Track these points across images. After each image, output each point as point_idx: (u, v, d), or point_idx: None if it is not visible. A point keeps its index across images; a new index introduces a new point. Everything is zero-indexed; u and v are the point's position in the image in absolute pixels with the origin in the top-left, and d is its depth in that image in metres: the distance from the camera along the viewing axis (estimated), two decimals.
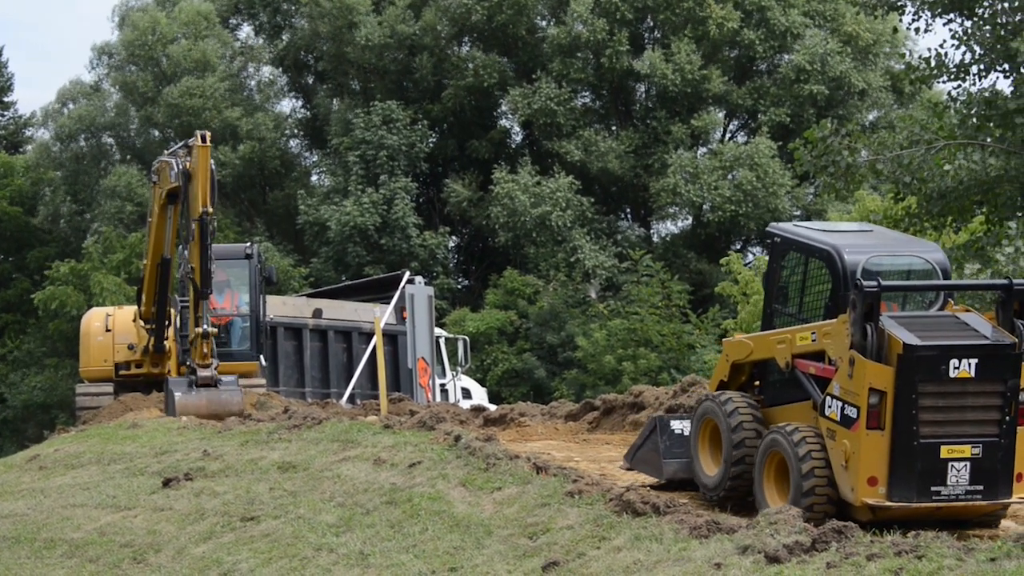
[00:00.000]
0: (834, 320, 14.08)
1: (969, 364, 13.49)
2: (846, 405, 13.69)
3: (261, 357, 29.02)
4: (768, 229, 16.03)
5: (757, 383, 15.55)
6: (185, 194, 24.84)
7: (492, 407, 25.60)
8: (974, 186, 23.98)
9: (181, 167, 24.80)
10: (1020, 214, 24.63)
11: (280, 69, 61.94)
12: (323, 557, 15.31)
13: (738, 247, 55.79)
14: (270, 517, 16.88)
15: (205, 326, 24.83)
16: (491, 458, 16.79)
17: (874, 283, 13.59)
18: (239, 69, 61.11)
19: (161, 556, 16.74)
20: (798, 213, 54.40)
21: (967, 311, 14.42)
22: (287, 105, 63.32)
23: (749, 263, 45.40)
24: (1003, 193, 24.11)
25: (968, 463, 13.55)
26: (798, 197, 53.50)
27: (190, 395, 24.53)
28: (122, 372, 27.77)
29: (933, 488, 13.52)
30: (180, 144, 25.78)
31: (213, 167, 24.79)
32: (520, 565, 13.85)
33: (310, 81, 61.80)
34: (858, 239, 15.26)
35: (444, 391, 35.28)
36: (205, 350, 24.90)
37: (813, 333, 14.34)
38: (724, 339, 16.24)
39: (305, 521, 16.43)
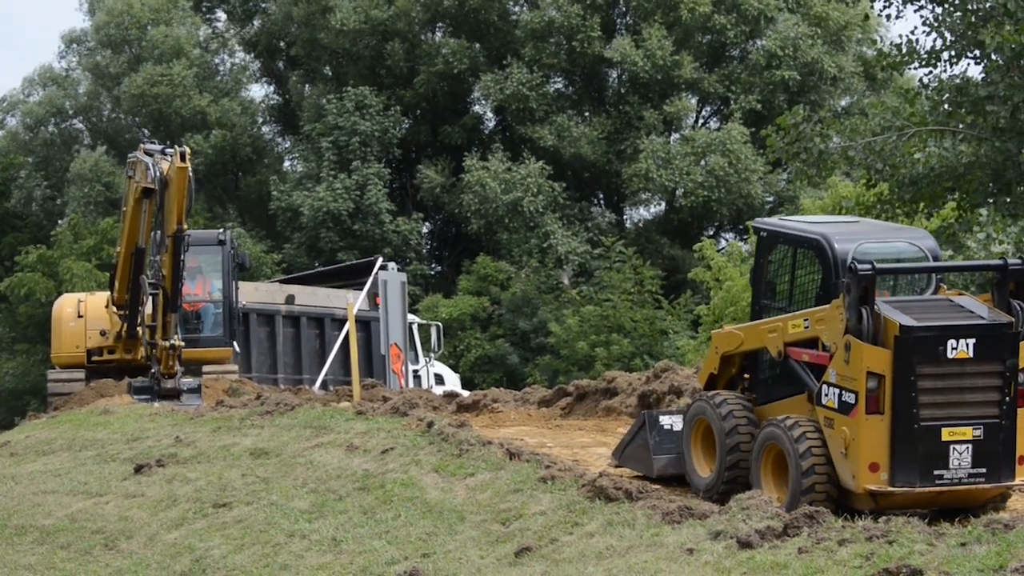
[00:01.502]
0: (827, 306, 13.96)
1: (967, 344, 13.40)
2: (843, 391, 13.57)
3: (234, 343, 28.95)
4: (754, 224, 15.91)
5: (747, 377, 15.39)
6: (161, 199, 24.64)
7: (465, 393, 25.60)
8: (945, 173, 24.05)
9: (160, 174, 24.54)
10: (991, 200, 24.72)
11: (252, 55, 61.75)
12: (295, 543, 15.30)
13: (711, 233, 55.84)
14: (242, 503, 16.85)
15: (173, 340, 25.14)
16: (464, 444, 16.80)
17: (868, 266, 13.49)
18: (212, 56, 60.89)
19: (133, 542, 16.70)
20: (771, 199, 54.49)
21: (960, 294, 14.34)
22: (259, 91, 63.20)
23: (722, 249, 45.46)
24: (974, 180, 24.18)
25: (970, 445, 13.44)
26: (770, 183, 53.58)
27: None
28: (95, 358, 27.66)
29: (936, 472, 13.41)
30: (159, 147, 25.52)
31: (192, 182, 24.63)
32: (493, 551, 13.87)
33: (282, 67, 61.61)
34: (846, 228, 15.17)
35: (417, 377, 35.25)
36: (171, 363, 25.32)
37: (806, 320, 14.22)
38: (713, 331, 16.05)
39: (277, 507, 16.41)
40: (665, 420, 15.98)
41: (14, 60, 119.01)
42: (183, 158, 24.21)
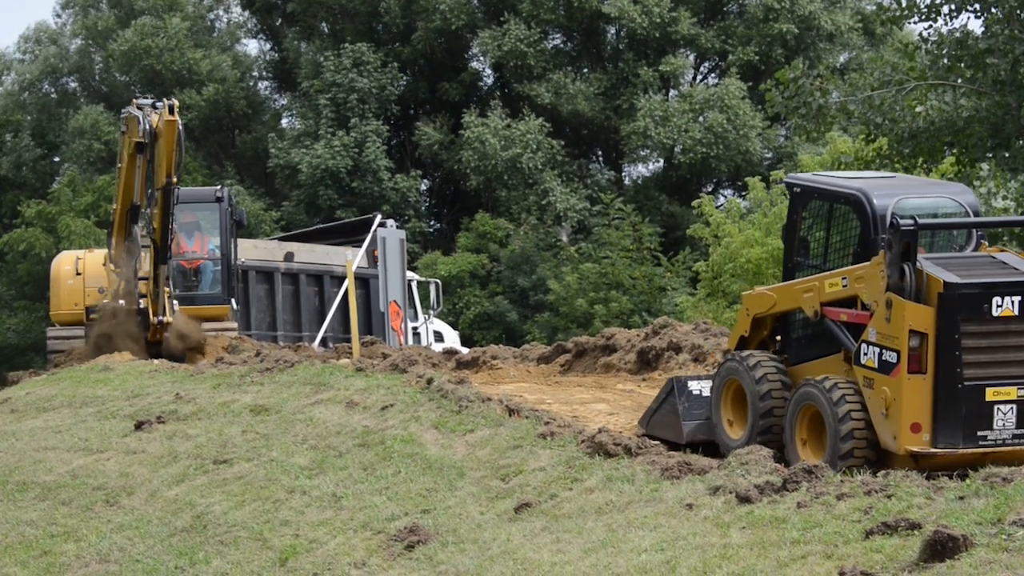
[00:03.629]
0: (867, 263, 13.62)
1: (1012, 302, 13.08)
2: (884, 350, 13.26)
3: (233, 301, 28.94)
4: (786, 179, 15.54)
5: (779, 339, 15.09)
6: (152, 152, 24.61)
7: (464, 350, 25.63)
8: (945, 127, 24.01)
9: (149, 127, 24.46)
10: (991, 155, 24.70)
11: (248, 12, 61.54)
12: (296, 499, 15.35)
13: (709, 190, 55.80)
14: (243, 460, 16.90)
15: (162, 316, 25.35)
16: (463, 401, 16.82)
17: (911, 221, 13.14)
18: (208, 10, 60.69)
19: (134, 499, 16.75)
20: (769, 155, 54.41)
21: (1002, 251, 14.02)
22: (254, 47, 63.00)
23: (720, 205, 45.44)
24: (974, 134, 24.15)
25: (1014, 405, 13.13)
26: (769, 139, 53.50)
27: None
28: (92, 316, 27.61)
29: (979, 433, 13.10)
30: (149, 101, 25.43)
31: (182, 135, 24.53)
32: (492, 506, 13.91)
33: (279, 23, 61.41)
34: (884, 182, 14.81)
35: (416, 334, 35.28)
36: (158, 336, 25.50)
37: (844, 278, 13.85)
38: (744, 293, 15.69)
39: (278, 464, 16.45)
40: (694, 385, 15.65)
41: (13, 17, 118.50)
42: (172, 111, 24.11)
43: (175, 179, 24.55)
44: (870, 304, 13.53)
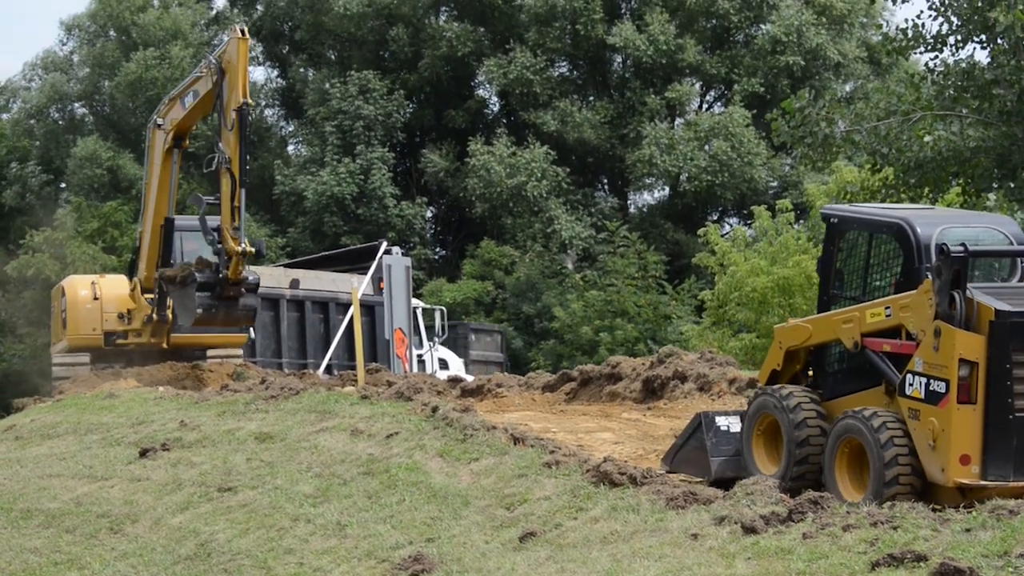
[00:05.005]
0: (912, 292, 13.32)
1: None
2: (932, 380, 12.91)
3: (251, 330, 28.94)
4: (823, 211, 15.22)
5: (811, 373, 14.78)
6: (220, 89, 24.67)
7: (469, 378, 25.60)
8: (951, 157, 23.99)
9: (216, 63, 24.79)
10: (997, 186, 24.69)
11: (256, 40, 61.69)
12: (300, 527, 15.32)
13: (715, 218, 55.83)
14: (247, 487, 16.87)
15: (244, 244, 24.37)
16: (468, 429, 16.80)
17: (961, 247, 12.88)
18: (211, 38, 60.86)
19: (138, 526, 16.73)
20: (775, 184, 54.45)
21: None
22: (261, 74, 63.16)
23: (726, 234, 45.46)
24: (980, 165, 24.14)
25: None
26: (774, 167, 53.56)
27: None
28: (118, 341, 27.34)
29: None
30: (198, 67, 25.90)
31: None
32: (497, 535, 13.88)
33: (286, 51, 61.58)
34: (925, 212, 14.54)
35: (421, 362, 35.27)
36: (240, 268, 24.54)
37: (887, 307, 13.54)
38: (776, 326, 15.32)
39: (282, 491, 16.42)
40: (722, 420, 15.36)
41: (17, 44, 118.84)
42: (243, 33, 24.59)
43: (251, 101, 24.72)
44: (916, 333, 13.23)
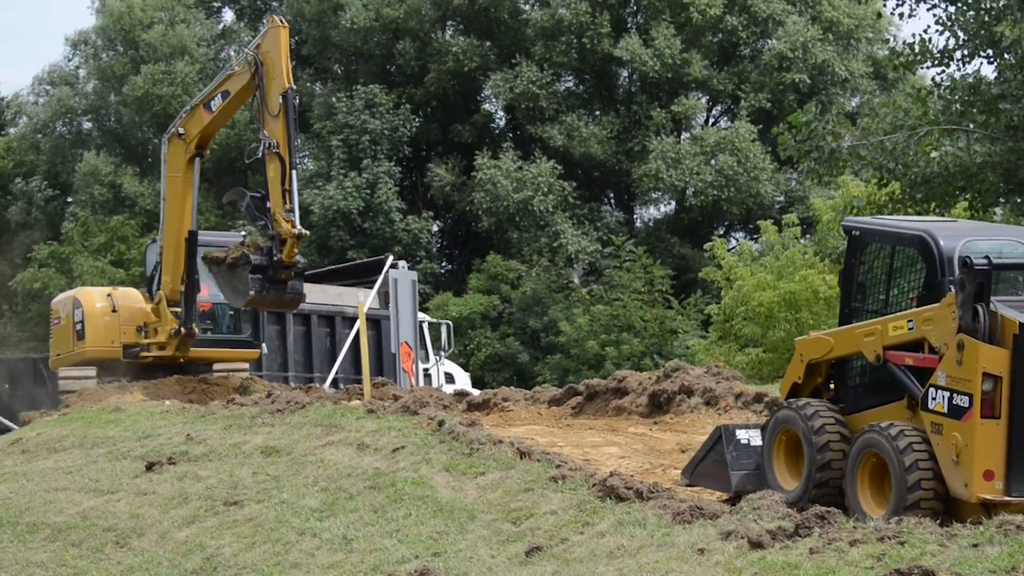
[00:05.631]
0: (935, 305, 13.16)
1: None
2: (955, 394, 12.72)
3: (264, 345, 29.01)
4: (844, 223, 15.06)
5: (832, 387, 14.62)
6: (260, 80, 25.29)
7: (475, 392, 25.59)
8: (958, 172, 23.99)
9: (253, 55, 25.40)
10: (1003, 200, 24.69)
11: None
12: (306, 541, 15.31)
13: (721, 232, 55.85)
14: (253, 501, 16.86)
15: (298, 227, 24.86)
16: (474, 443, 16.79)
17: (985, 260, 12.73)
18: (217, 52, 60.99)
19: (144, 540, 16.72)
20: (781, 198, 54.46)
21: None
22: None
23: (732, 248, 45.47)
24: (986, 180, 24.15)
25: None
26: (780, 182, 53.58)
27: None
28: (143, 354, 27.28)
29: None
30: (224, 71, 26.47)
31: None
32: (503, 550, 13.86)
33: (292, 65, 61.58)
34: (948, 225, 14.36)
35: (427, 376, 35.26)
36: (294, 251, 24.86)
37: (910, 320, 13.35)
38: (797, 339, 15.14)
39: (288, 505, 16.41)
40: (742, 434, 15.14)
41: (22, 60, 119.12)
42: (281, 22, 25.47)
43: (294, 87, 25.52)
44: (939, 347, 13.06)
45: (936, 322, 13.12)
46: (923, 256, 13.66)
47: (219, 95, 26.13)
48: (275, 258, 24.81)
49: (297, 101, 25.80)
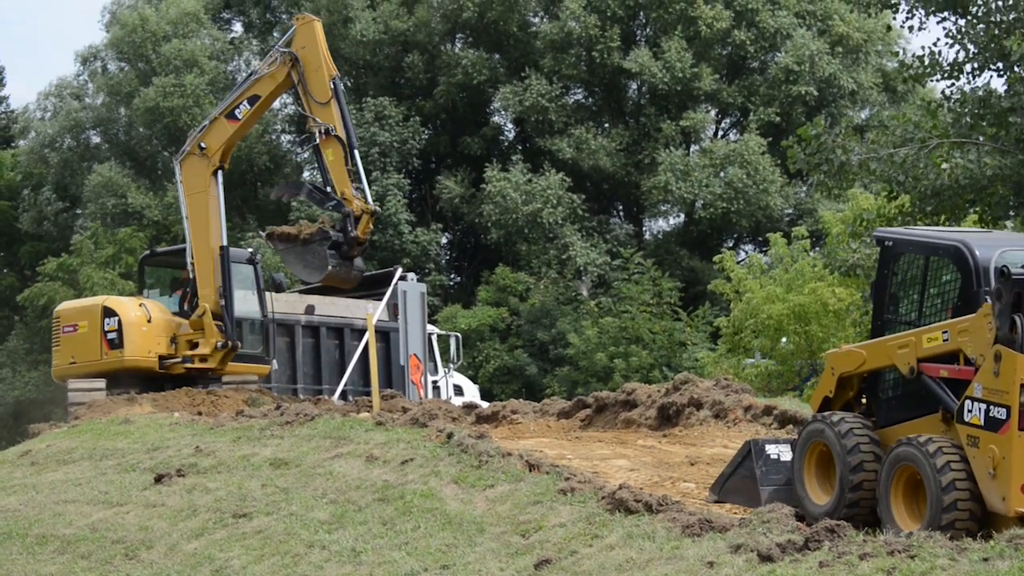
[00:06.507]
0: (971, 315, 12.99)
1: None
2: (991, 406, 12.53)
3: (274, 361, 29.07)
4: (876, 234, 14.90)
5: (864, 400, 14.48)
6: (300, 75, 26.45)
7: (484, 404, 25.57)
8: (968, 185, 23.95)
9: (289, 53, 26.49)
10: (1014, 214, 24.65)
11: None
12: (315, 554, 15.30)
13: (730, 245, 55.82)
14: (262, 514, 16.86)
15: (372, 203, 26.46)
16: (483, 455, 16.78)
17: (1023, 270, 12.51)
18: (226, 65, 61.06)
19: (153, 552, 16.71)
20: (790, 211, 54.43)
21: None
22: (276, 101, 63.26)
23: (742, 261, 45.45)
24: (996, 193, 24.11)
25: None
26: (789, 195, 53.56)
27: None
28: (186, 366, 27.33)
29: None
30: (249, 74, 27.59)
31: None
32: (512, 563, 13.84)
33: None
34: (982, 235, 14.22)
35: (436, 388, 35.22)
36: (368, 227, 26.42)
37: (944, 332, 13.17)
38: (828, 352, 15.04)
39: (297, 518, 16.41)
40: (772, 449, 15.07)
41: (36, 73, 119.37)
42: (311, 17, 26.94)
43: (338, 73, 26.76)
44: (975, 358, 12.85)
45: (972, 333, 12.94)
46: (958, 266, 13.47)
47: (245, 101, 26.79)
48: (351, 234, 26.18)
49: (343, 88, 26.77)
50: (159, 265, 29.77)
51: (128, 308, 27.81)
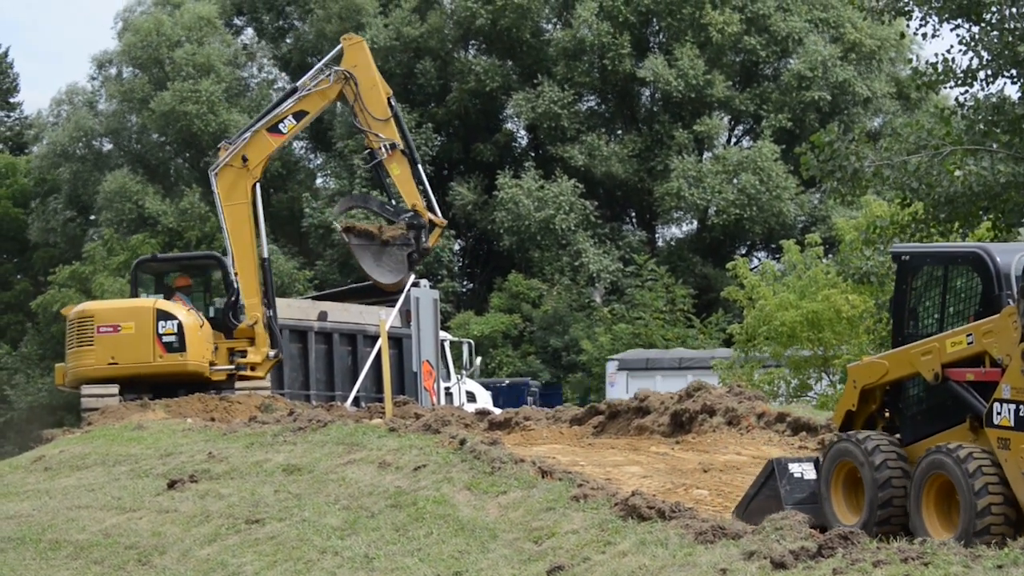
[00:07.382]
0: (995, 317, 12.88)
1: None
2: (1021, 406, 12.43)
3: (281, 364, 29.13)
4: (893, 249, 14.89)
5: (887, 414, 14.37)
6: (357, 94, 27.18)
7: (497, 411, 25.57)
8: (982, 192, 23.91)
9: (342, 72, 27.21)
10: None
11: (285, 72, 61.99)
12: (328, 560, 15.30)
13: (743, 251, 55.79)
14: (275, 519, 16.87)
15: (440, 216, 27.70)
16: (496, 462, 16.77)
17: None
18: (240, 70, 61.17)
19: (166, 558, 16.73)
20: (803, 218, 54.39)
21: None
22: None
23: (755, 268, 45.42)
24: (1010, 200, 24.07)
25: None
26: (802, 202, 53.53)
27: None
28: (241, 373, 27.28)
29: None
30: (290, 90, 27.80)
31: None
32: (525, 569, 13.84)
33: None
34: (998, 244, 14.14)
35: (449, 394, 35.25)
36: (438, 239, 28.16)
37: (969, 335, 13.07)
38: (849, 365, 14.94)
39: (310, 524, 16.41)
40: (795, 468, 14.88)
41: (52, 79, 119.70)
42: (357, 37, 27.75)
43: (390, 91, 27.54)
44: (1001, 359, 12.72)
45: (997, 334, 12.84)
46: (979, 272, 13.42)
47: (291, 116, 27.14)
48: (424, 245, 27.53)
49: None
50: (154, 272, 29.53)
51: (183, 312, 27.13)
